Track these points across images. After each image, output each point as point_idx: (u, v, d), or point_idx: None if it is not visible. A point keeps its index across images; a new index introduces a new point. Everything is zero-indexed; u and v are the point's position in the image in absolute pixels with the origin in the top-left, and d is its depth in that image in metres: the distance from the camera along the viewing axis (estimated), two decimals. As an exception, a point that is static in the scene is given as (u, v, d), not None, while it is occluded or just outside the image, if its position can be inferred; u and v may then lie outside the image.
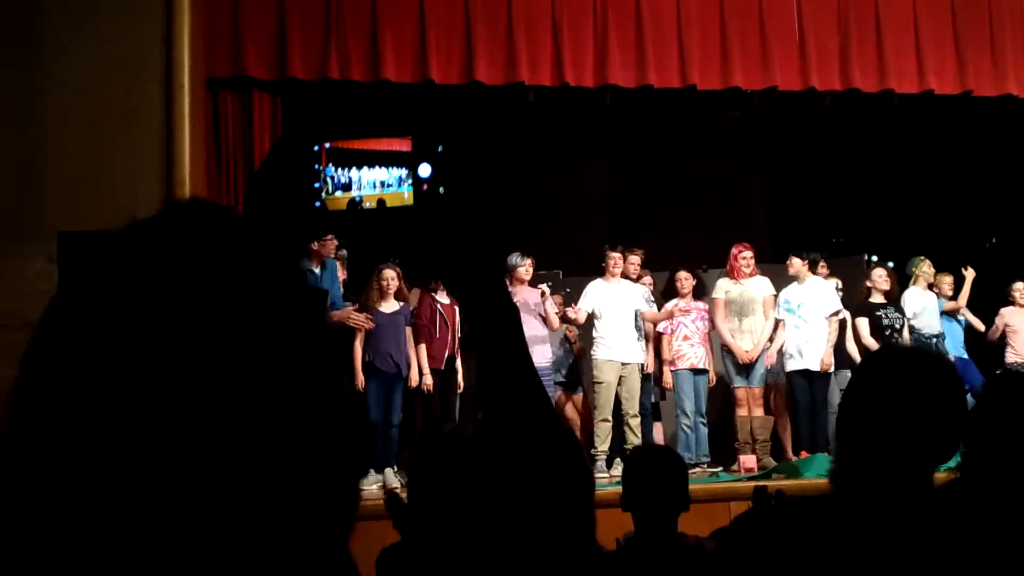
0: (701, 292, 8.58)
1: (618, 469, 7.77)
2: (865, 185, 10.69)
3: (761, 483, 2.91)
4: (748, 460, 7.75)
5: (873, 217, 10.47)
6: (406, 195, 1.11)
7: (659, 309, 8.32)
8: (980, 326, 8.83)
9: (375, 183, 1.11)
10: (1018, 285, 8.69)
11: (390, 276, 7.72)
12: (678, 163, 10.94)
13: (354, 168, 1.12)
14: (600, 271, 8.17)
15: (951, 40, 7.96)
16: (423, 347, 7.73)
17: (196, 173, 6.61)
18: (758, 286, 8.24)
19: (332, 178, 1.11)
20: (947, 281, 8.81)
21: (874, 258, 9.09)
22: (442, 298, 7.86)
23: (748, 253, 8.25)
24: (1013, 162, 9.69)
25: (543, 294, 7.82)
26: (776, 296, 8.21)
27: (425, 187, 1.11)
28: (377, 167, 1.12)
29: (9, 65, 6.42)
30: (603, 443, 7.72)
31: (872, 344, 8.17)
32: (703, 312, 8.34)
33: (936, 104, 8.23)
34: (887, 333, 8.20)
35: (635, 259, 8.22)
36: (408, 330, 7.74)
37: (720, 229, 9.80)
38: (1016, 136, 9.32)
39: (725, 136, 10.62)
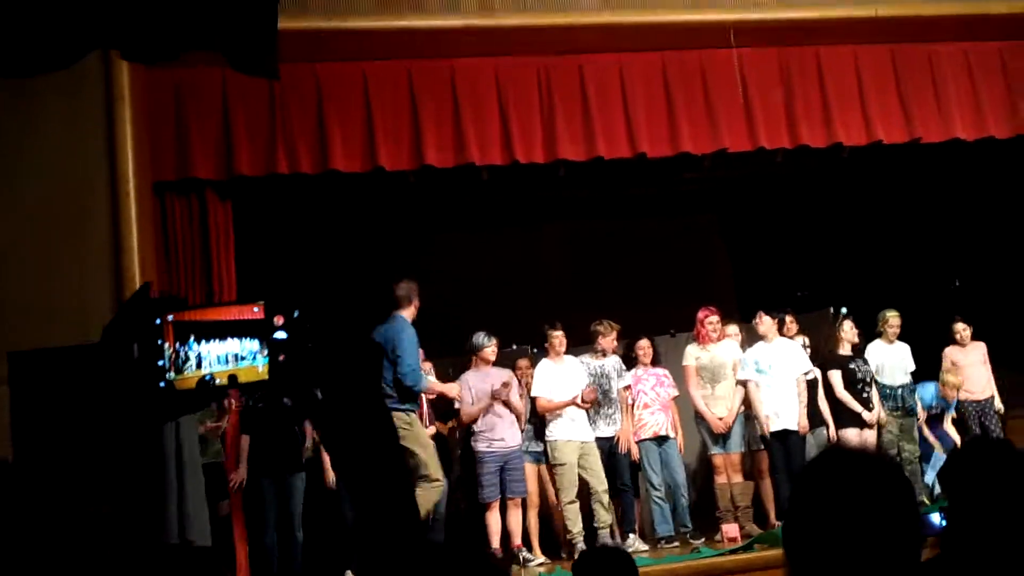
0: (658, 359, 8.49)
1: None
2: (826, 236, 10.71)
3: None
4: (731, 529, 7.63)
5: (836, 268, 10.47)
6: (260, 368, 1.02)
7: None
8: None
9: (227, 356, 1.02)
10: (958, 326, 8.74)
11: None
12: (639, 229, 10.93)
13: (203, 341, 1.02)
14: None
15: (895, 90, 8.02)
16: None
17: (146, 278, 6.50)
18: (727, 350, 8.18)
19: (179, 354, 1.01)
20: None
21: (843, 310, 9.04)
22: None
23: (714, 318, 8.20)
24: (967, 203, 9.76)
25: (506, 384, 7.69)
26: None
27: (281, 357, 1.02)
28: (229, 339, 1.03)
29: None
30: (575, 524, 7.57)
31: (846, 397, 8.12)
32: (662, 378, 8.25)
33: (887, 153, 8.27)
34: (859, 387, 8.18)
35: (612, 334, 8.15)
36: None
37: (686, 291, 9.76)
38: (967, 178, 9.41)
39: (683, 198, 10.63)
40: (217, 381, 1.02)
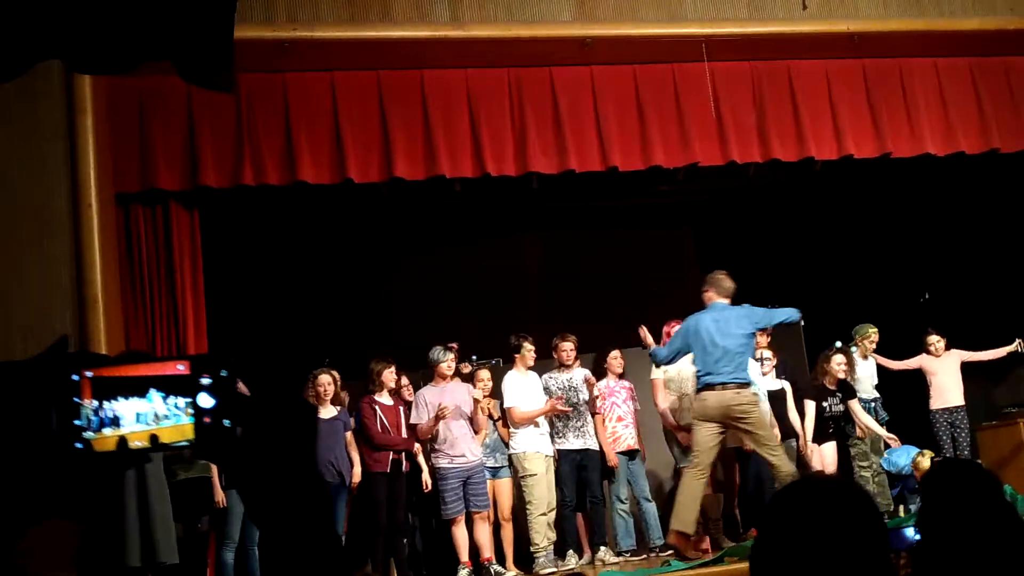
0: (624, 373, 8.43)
1: (571, 560, 7.58)
2: (798, 250, 10.70)
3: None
4: (702, 542, 7.57)
5: (807, 282, 10.45)
6: (186, 428, 0.94)
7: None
8: (891, 364, 8.95)
9: (149, 416, 0.94)
10: (932, 338, 8.85)
11: (326, 382, 7.52)
12: (613, 240, 10.89)
13: (122, 399, 0.94)
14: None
15: (866, 105, 8.03)
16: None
17: (109, 292, 6.40)
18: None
19: (96, 412, 0.94)
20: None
21: (837, 343, 8.97)
22: (382, 399, 7.65)
23: None
24: (937, 217, 9.79)
25: (476, 400, 7.65)
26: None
27: (207, 419, 0.94)
28: (150, 395, 0.95)
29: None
30: (542, 538, 7.51)
31: (810, 428, 8.17)
32: (632, 391, 8.23)
33: (858, 167, 8.27)
34: (826, 419, 8.26)
35: (568, 345, 8.07)
36: (348, 435, 7.52)
37: (659, 304, 9.70)
38: (937, 192, 9.45)
39: (657, 211, 10.61)
40: (137, 443, 0.94)
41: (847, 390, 8.39)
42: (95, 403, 0.93)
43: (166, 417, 0.94)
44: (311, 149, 7.12)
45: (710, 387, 7.05)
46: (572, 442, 7.87)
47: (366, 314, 10.30)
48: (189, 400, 0.95)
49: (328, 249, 9.87)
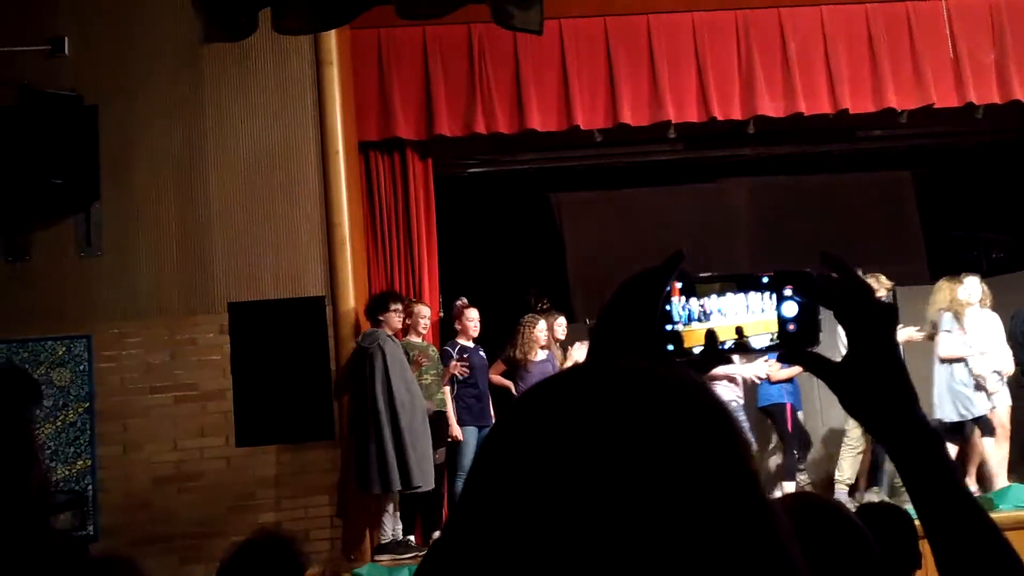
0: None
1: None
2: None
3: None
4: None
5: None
6: (771, 323, 0.99)
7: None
8: None
9: (736, 311, 1.00)
10: None
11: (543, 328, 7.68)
12: (823, 185, 10.61)
13: (714, 296, 1.00)
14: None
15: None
16: None
17: (355, 234, 6.72)
18: None
19: (684, 308, 1.00)
20: None
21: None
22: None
23: None
24: None
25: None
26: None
27: (791, 327, 0.99)
28: (737, 294, 1.00)
29: (180, 146, 6.64)
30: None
31: None
32: None
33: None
34: None
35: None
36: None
37: (873, 254, 9.43)
38: None
39: (871, 156, 10.26)
40: (727, 344, 0.99)
41: None
42: (683, 299, 0.98)
43: (752, 312, 0.98)
44: (539, 99, 7.23)
45: None
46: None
47: (570, 260, 10.43)
48: (774, 302, 0.98)
49: (538, 193, 10.00)
